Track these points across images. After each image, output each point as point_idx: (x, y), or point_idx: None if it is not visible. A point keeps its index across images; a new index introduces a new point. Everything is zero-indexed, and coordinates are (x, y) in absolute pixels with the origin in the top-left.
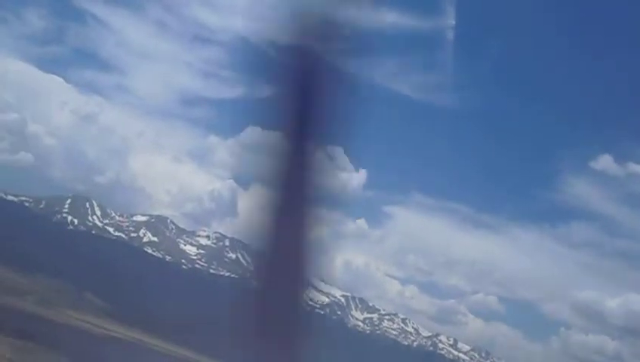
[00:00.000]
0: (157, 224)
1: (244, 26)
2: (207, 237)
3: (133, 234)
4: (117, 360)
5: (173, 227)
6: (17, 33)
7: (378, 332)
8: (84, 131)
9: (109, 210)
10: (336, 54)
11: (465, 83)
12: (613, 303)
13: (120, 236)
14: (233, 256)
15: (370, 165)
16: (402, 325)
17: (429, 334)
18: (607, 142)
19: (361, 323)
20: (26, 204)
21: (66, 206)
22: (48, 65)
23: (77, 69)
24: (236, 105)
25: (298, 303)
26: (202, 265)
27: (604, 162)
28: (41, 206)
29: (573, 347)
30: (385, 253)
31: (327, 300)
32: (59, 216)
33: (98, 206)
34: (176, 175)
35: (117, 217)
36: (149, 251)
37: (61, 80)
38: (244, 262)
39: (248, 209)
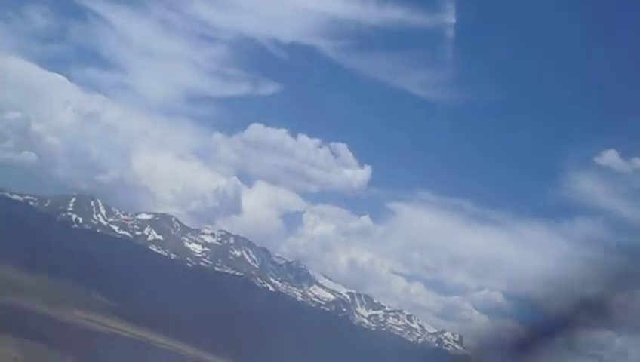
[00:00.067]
0: (162, 222)
1: (247, 24)
2: (212, 234)
3: (138, 233)
4: (123, 357)
5: (178, 225)
6: (20, 32)
7: (383, 328)
8: (88, 130)
9: (113, 209)
10: (340, 52)
11: (470, 79)
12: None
13: (125, 234)
14: (238, 254)
15: (375, 162)
16: (407, 321)
17: (435, 330)
18: (612, 137)
19: (366, 320)
20: (31, 203)
21: (71, 205)
22: (51, 63)
23: (80, 67)
24: (240, 103)
25: None
26: (207, 263)
27: (610, 158)
28: (46, 205)
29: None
30: (390, 249)
31: (332, 297)
32: (64, 214)
33: (103, 204)
34: (180, 173)
35: (122, 216)
36: (154, 249)
37: (64, 78)
38: (248, 259)
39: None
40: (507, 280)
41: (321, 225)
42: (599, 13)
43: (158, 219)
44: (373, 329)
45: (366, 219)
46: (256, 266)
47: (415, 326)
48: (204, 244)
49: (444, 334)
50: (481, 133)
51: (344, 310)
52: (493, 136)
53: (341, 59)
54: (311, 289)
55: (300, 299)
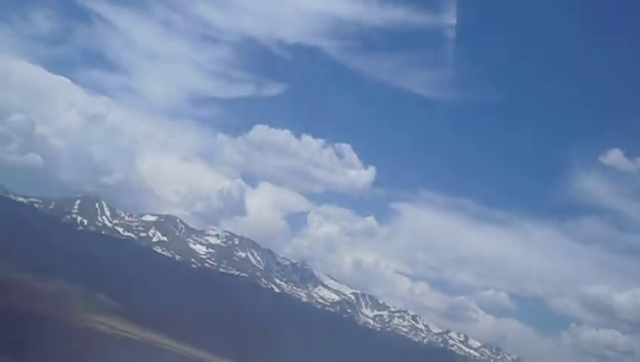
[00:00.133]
0: (166, 224)
1: (251, 25)
2: (217, 236)
3: (142, 234)
4: (128, 359)
5: (183, 226)
6: (23, 34)
7: (388, 329)
8: (92, 132)
9: (118, 211)
10: (344, 52)
11: (473, 79)
12: (623, 298)
13: (130, 236)
14: (243, 255)
15: (379, 162)
16: (413, 322)
17: (440, 331)
18: (617, 137)
19: (371, 321)
20: (36, 206)
21: (76, 207)
22: (55, 65)
23: (84, 69)
24: (244, 104)
25: None
26: (212, 265)
27: (614, 157)
28: (51, 207)
29: (584, 342)
30: (394, 250)
31: (337, 298)
32: (68, 216)
33: (107, 206)
34: (185, 174)
35: (126, 217)
36: (159, 251)
37: (68, 81)
38: (253, 260)
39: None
40: (512, 279)
41: (326, 226)
42: (601, 13)
43: (162, 220)
44: (378, 329)
45: (371, 220)
46: (261, 267)
47: (420, 326)
48: (209, 245)
49: (450, 334)
50: (485, 132)
51: (349, 311)
52: (497, 135)
53: (345, 60)
54: (316, 290)
55: (304, 299)
